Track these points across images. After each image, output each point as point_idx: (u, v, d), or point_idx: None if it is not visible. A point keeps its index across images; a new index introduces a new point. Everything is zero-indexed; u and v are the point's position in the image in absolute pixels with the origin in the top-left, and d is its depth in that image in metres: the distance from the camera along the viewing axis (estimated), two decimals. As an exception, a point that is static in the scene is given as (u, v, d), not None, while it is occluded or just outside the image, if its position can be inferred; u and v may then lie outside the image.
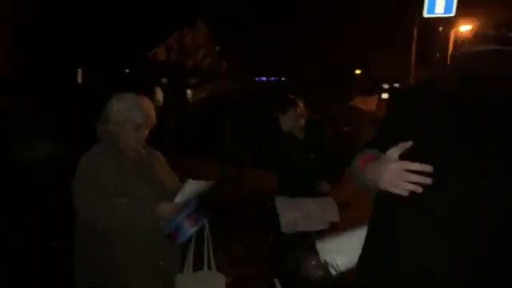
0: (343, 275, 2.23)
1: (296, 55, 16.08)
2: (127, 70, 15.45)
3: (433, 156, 0.87)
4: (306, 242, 2.43)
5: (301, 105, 2.70)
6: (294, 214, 2.46)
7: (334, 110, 14.53)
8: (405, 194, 0.85)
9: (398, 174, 0.85)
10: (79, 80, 15.71)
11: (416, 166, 0.84)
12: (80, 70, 15.70)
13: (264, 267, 3.21)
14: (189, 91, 12.74)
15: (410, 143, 0.87)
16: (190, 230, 1.71)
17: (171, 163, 2.03)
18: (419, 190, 0.83)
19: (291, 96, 2.77)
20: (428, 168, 0.83)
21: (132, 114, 1.70)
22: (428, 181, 0.83)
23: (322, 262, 2.29)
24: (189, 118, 9.60)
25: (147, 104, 1.77)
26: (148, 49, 11.59)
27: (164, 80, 10.57)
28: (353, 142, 9.39)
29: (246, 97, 10.26)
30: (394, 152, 0.88)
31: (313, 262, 2.30)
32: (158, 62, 11.50)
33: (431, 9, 4.87)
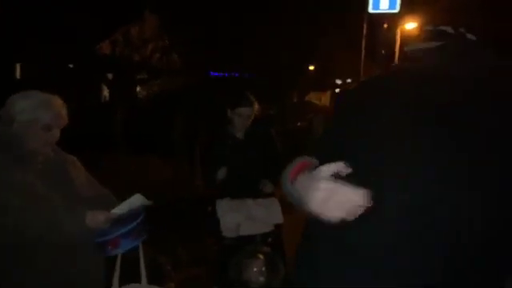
0: (286, 282, 2.15)
1: (249, 50, 16.01)
2: (71, 66, 14.67)
3: (377, 157, 0.81)
4: (250, 246, 2.32)
5: (254, 101, 2.56)
6: (235, 216, 2.32)
7: (288, 106, 14.65)
8: (331, 220, 0.74)
9: (327, 196, 0.73)
10: (17, 76, 14.71)
11: (347, 192, 0.72)
12: (18, 65, 14.70)
13: (211, 270, 3.10)
14: (138, 87, 12.27)
15: (343, 165, 0.76)
16: (133, 242, 1.63)
17: (119, 161, 1.83)
18: (351, 216, 0.73)
19: (243, 91, 2.62)
20: (363, 194, 0.72)
21: (39, 113, 1.51)
22: (360, 209, 0.73)
23: (264, 267, 2.20)
24: (138, 115, 9.24)
25: (57, 102, 1.57)
26: (92, 43, 10.99)
27: (109, 75, 10.07)
28: (305, 138, 9.47)
29: (199, 92, 10.05)
30: (328, 170, 0.76)
31: (255, 269, 2.20)
32: (103, 57, 10.93)
33: (376, 5, 4.91)
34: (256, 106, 2.56)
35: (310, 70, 30.94)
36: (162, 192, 5.45)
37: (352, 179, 0.75)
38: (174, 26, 12.34)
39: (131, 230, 1.59)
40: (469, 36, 0.91)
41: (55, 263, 1.51)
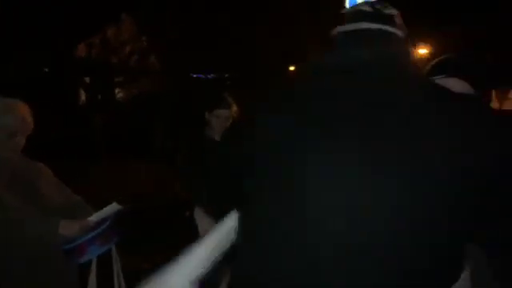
0: None
1: (229, 52, 15.94)
2: (46, 69, 14.30)
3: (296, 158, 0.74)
4: (229, 251, 2.28)
5: (232, 102, 2.52)
6: (212, 221, 2.27)
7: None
8: None
9: None
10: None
11: None
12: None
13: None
14: (116, 90, 12.07)
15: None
16: (102, 247, 1.58)
17: (98, 166, 1.78)
18: None
19: (224, 95, 2.58)
20: None
21: (3, 119, 1.45)
22: None
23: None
24: (117, 119, 9.08)
25: (22, 108, 1.51)
26: (68, 46, 10.75)
27: (87, 79, 9.88)
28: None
29: (179, 95, 9.94)
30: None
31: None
32: (79, 60, 10.71)
33: (353, 1, 4.95)
34: (234, 108, 2.52)
35: (291, 71, 31.11)
36: (142, 197, 5.37)
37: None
38: (151, 28, 12.19)
39: (97, 236, 1.54)
40: (387, 11, 0.84)
41: (30, 270, 1.47)
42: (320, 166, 0.72)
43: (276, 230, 0.73)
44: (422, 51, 17.68)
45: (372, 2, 0.85)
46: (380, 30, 0.82)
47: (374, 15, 0.83)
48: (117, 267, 1.75)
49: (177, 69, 12.39)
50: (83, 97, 9.77)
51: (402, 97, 0.72)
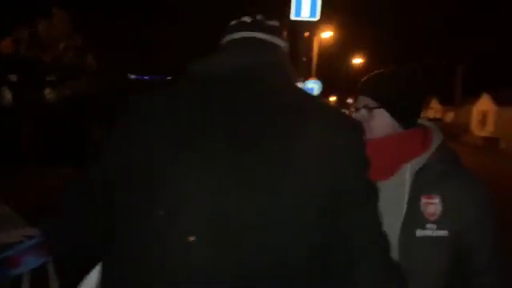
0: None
1: (172, 53, 15.57)
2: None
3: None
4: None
5: None
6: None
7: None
8: None
9: None
10: None
11: None
12: None
13: None
14: (47, 90, 11.21)
15: None
16: (38, 259, 1.43)
17: (27, 173, 1.59)
18: None
19: None
20: None
21: None
22: None
23: None
24: (48, 121, 8.42)
25: None
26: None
27: (13, 77, 9.04)
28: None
29: (119, 96, 9.46)
30: None
31: None
32: (5, 56, 9.80)
33: (298, 12, 5.05)
34: None
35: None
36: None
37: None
38: (86, 26, 11.54)
39: (32, 246, 1.40)
40: (269, 23, 0.88)
41: None
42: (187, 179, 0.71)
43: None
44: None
45: (255, 14, 0.88)
46: (261, 39, 0.84)
47: (255, 25, 0.86)
48: (54, 285, 1.60)
49: (114, 69, 11.83)
50: (9, 96, 8.92)
51: (275, 108, 0.73)
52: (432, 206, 1.04)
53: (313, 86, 13.46)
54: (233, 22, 0.89)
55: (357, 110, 1.16)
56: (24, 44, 10.26)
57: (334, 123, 0.76)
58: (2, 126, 7.68)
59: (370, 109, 1.11)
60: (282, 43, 0.88)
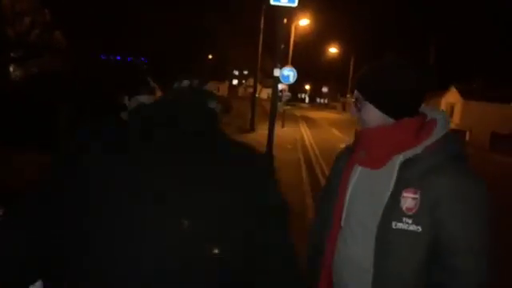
0: None
1: (144, 33, 15.07)
2: None
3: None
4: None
5: (156, 87, 2.31)
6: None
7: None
8: None
9: None
10: None
11: None
12: None
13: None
14: (12, 67, 10.64)
15: None
16: None
17: None
18: None
19: (144, 77, 2.35)
20: None
21: None
22: None
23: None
24: (11, 100, 8.02)
25: None
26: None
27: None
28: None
29: (88, 76, 9.12)
30: None
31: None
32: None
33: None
34: (158, 93, 2.35)
35: (209, 59, 30.84)
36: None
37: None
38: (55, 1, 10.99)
39: None
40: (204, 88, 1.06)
41: None
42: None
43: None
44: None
45: (192, 82, 1.04)
46: (196, 103, 1.00)
47: (193, 92, 1.02)
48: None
49: (84, 48, 11.36)
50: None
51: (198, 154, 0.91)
52: (412, 200, 1.03)
53: (288, 73, 13.45)
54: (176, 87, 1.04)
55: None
56: (-14, 17, 9.66)
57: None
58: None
59: (359, 102, 1.15)
60: (213, 105, 1.04)
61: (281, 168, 5.38)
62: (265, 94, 38.13)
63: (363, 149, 1.15)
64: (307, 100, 79.82)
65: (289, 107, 22.39)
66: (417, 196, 1.03)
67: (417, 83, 1.09)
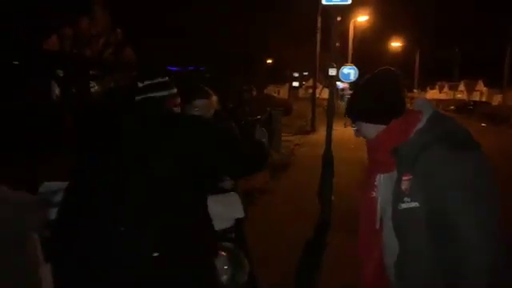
0: (251, 278, 2.16)
1: (206, 44, 15.75)
2: (16, 62, 13.73)
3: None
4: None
5: (211, 93, 2.51)
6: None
7: (246, 99, 14.63)
8: None
9: None
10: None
11: None
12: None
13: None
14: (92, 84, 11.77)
15: None
16: None
17: (68, 166, 1.74)
18: None
19: (202, 86, 2.57)
20: None
21: None
22: None
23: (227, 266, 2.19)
24: (93, 114, 8.85)
25: None
26: (38, 38, 10.37)
27: (60, 72, 9.56)
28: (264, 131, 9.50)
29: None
30: None
31: (218, 266, 2.19)
32: (51, 53, 10.37)
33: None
34: (214, 98, 2.53)
35: (268, 63, 31.12)
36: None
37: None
38: (125, 21, 11.93)
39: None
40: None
41: None
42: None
43: None
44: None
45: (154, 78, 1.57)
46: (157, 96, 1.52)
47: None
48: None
49: (151, 61, 12.18)
50: (57, 90, 9.47)
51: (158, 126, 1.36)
52: (406, 181, 1.18)
53: (348, 71, 13.12)
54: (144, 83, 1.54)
55: None
56: (68, 41, 10.80)
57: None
58: (50, 118, 8.17)
59: (355, 125, 1.40)
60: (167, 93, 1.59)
61: (340, 168, 5.35)
62: (325, 93, 37.56)
63: (374, 158, 1.35)
64: (372, 98, 76.62)
65: (351, 106, 21.70)
66: (409, 177, 1.17)
67: (386, 92, 1.29)
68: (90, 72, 10.33)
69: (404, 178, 1.19)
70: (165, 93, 1.55)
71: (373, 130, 1.32)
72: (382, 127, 1.30)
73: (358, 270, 1.42)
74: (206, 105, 2.47)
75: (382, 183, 1.31)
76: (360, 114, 1.35)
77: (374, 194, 1.33)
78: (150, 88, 1.53)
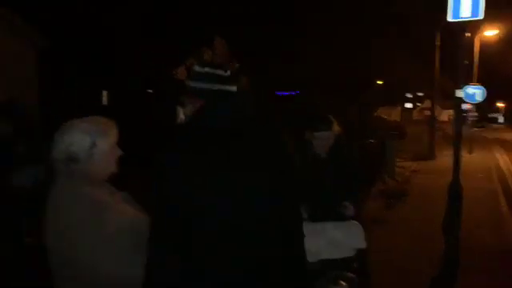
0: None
1: (316, 68, 15.89)
2: (150, 91, 15.73)
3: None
4: (332, 272, 2.26)
5: (333, 122, 2.55)
6: (316, 240, 2.28)
7: (358, 122, 14.22)
8: None
9: None
10: (104, 101, 16.13)
11: None
12: (105, 92, 16.15)
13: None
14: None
15: None
16: None
17: None
18: None
19: (325, 115, 2.62)
20: None
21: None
22: None
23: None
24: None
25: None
26: (168, 69, 11.78)
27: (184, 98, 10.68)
28: (378, 155, 9.10)
29: (267, 113, 10.16)
30: None
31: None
32: (178, 82, 11.63)
33: (456, 13, 4.58)
34: (336, 128, 2.53)
35: (379, 85, 29.98)
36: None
37: None
38: (240, 49, 12.81)
39: None
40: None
41: None
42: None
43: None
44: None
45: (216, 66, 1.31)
46: (230, 91, 1.26)
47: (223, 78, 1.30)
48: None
49: (263, 87, 12.74)
50: (182, 115, 10.53)
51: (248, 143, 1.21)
52: None
53: (474, 91, 11.68)
54: (199, 70, 1.30)
55: None
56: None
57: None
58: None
59: None
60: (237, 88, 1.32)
61: (470, 200, 4.79)
62: (444, 115, 34.36)
63: None
64: (501, 120, 68.20)
65: (476, 129, 19.60)
66: None
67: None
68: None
69: None
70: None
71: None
72: None
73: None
74: (329, 136, 2.50)
75: None
76: None
77: None
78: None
